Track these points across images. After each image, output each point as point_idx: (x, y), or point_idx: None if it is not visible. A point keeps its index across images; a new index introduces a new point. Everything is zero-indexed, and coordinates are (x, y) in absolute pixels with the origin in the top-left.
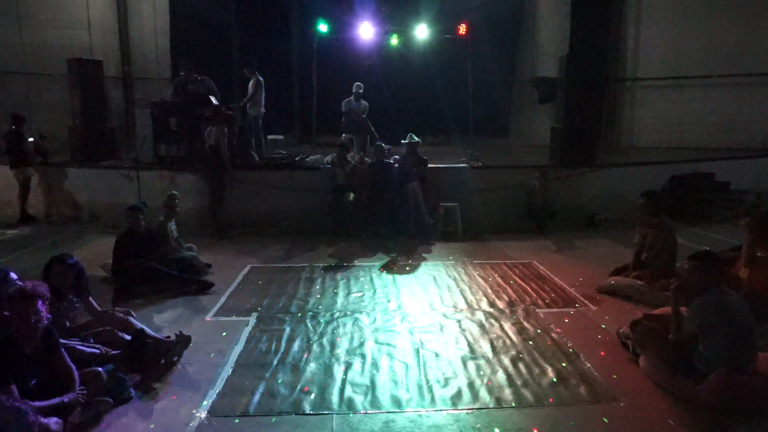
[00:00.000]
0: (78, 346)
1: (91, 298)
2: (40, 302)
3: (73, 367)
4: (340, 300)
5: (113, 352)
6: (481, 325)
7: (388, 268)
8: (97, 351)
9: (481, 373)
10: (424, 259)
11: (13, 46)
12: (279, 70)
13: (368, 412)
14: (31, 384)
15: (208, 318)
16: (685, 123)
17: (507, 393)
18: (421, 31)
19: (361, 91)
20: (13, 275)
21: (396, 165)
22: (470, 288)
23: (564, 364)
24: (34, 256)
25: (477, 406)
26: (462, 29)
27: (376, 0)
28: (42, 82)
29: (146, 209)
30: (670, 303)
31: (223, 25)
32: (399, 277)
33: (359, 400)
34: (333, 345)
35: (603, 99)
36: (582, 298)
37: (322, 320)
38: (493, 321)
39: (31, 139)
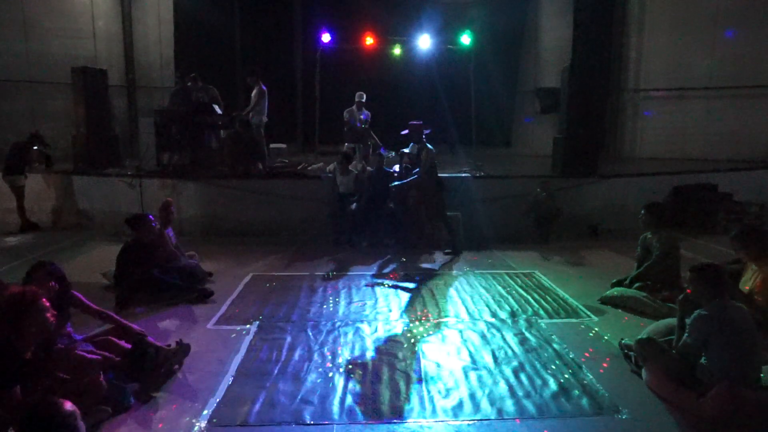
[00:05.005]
0: (78, 352)
1: (77, 294)
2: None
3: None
4: (341, 309)
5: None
6: (483, 336)
7: (389, 277)
8: (99, 357)
9: (483, 383)
10: (426, 268)
11: (19, 55)
12: (282, 79)
13: (369, 422)
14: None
15: (209, 326)
16: (688, 134)
17: (509, 404)
18: (424, 41)
19: (363, 100)
20: None
21: (397, 174)
22: (472, 298)
23: (566, 376)
24: None
25: (478, 417)
26: (465, 39)
27: (379, 10)
28: (46, 90)
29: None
30: (676, 314)
31: (227, 34)
32: (400, 287)
33: (360, 410)
34: (334, 354)
35: (605, 109)
36: (584, 309)
37: (323, 329)
38: (494, 331)
39: (35, 147)
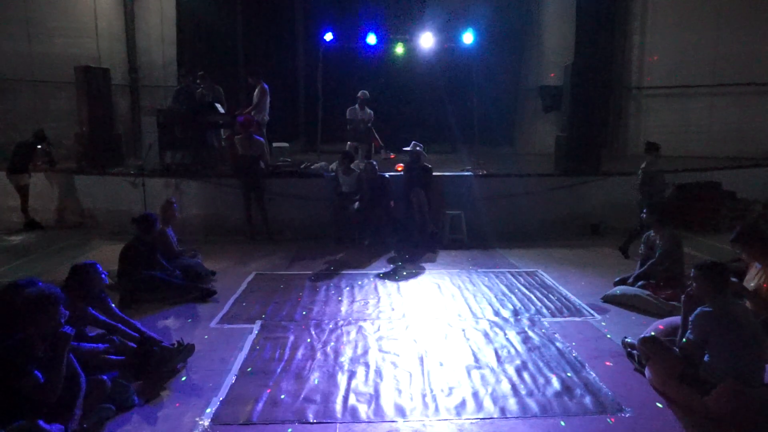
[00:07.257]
0: (83, 345)
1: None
2: (61, 306)
3: (81, 373)
4: (344, 308)
5: (118, 357)
6: (486, 334)
7: (392, 276)
8: (102, 346)
9: (486, 382)
10: (429, 267)
11: (22, 55)
12: (284, 78)
13: (372, 421)
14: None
15: (212, 325)
16: (691, 132)
17: (511, 403)
18: (427, 40)
19: (367, 98)
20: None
21: (401, 172)
22: (475, 296)
23: (569, 374)
24: (40, 263)
25: (481, 415)
26: (467, 38)
27: (381, 8)
28: (49, 89)
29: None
30: (680, 312)
31: (230, 33)
32: (403, 285)
33: (363, 409)
34: (337, 353)
35: (608, 108)
36: (587, 307)
37: (326, 328)
38: (497, 330)
39: (38, 146)
